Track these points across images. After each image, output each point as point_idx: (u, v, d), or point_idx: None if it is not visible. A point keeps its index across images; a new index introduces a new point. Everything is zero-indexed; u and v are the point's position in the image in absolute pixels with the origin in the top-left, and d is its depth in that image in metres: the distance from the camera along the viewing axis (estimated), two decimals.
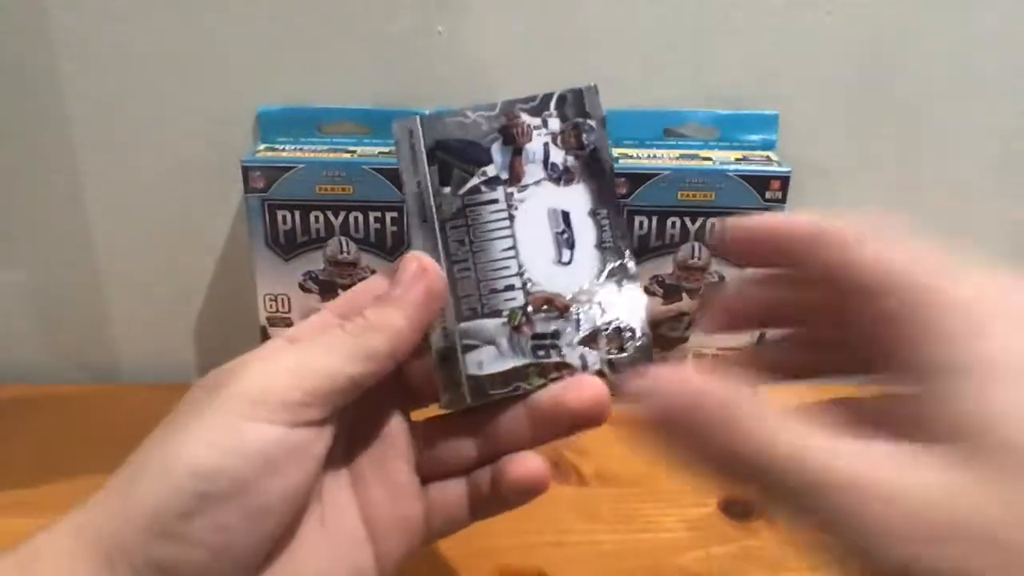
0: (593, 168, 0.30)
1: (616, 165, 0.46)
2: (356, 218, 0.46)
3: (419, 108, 0.49)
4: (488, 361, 0.29)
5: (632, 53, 0.49)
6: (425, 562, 0.39)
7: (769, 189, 0.45)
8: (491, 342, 0.29)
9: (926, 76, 0.49)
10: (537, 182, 0.30)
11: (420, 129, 0.30)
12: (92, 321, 0.55)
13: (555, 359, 0.29)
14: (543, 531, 0.41)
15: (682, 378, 0.22)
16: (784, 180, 0.45)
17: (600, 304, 0.29)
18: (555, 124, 0.30)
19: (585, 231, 0.30)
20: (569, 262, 0.30)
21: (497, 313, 0.29)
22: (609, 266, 0.30)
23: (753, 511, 0.43)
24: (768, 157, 0.48)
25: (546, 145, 0.30)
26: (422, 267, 0.28)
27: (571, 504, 0.43)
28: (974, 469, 0.18)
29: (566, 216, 0.30)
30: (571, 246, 0.30)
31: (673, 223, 0.46)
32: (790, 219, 0.24)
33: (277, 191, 0.45)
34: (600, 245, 0.30)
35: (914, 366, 0.20)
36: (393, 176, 0.45)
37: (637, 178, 0.46)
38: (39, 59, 0.48)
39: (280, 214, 0.46)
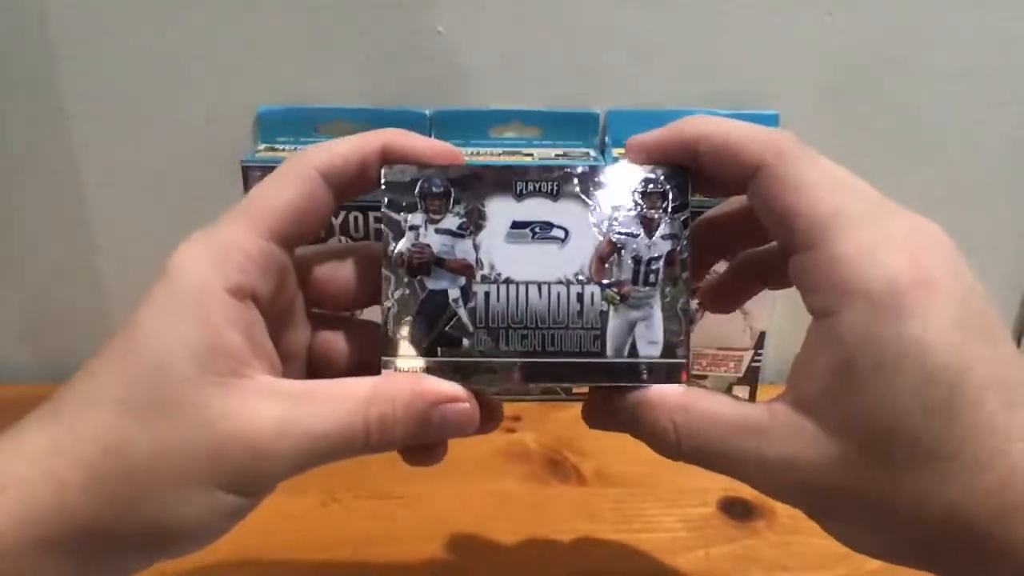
0: None
1: (616, 164, 0.46)
2: (356, 218, 0.46)
3: (419, 108, 0.49)
4: None
5: (632, 53, 0.49)
6: (424, 561, 0.39)
7: None
8: None
9: (927, 77, 0.49)
10: None
11: None
12: (92, 321, 0.55)
13: None
14: (543, 531, 0.41)
15: None
16: None
17: None
18: None
19: None
20: None
21: None
22: None
23: (753, 511, 0.43)
24: None
25: None
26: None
27: (571, 504, 0.43)
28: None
29: None
30: None
31: None
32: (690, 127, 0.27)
33: None
34: None
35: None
36: None
37: None
38: (39, 59, 0.48)
39: None
